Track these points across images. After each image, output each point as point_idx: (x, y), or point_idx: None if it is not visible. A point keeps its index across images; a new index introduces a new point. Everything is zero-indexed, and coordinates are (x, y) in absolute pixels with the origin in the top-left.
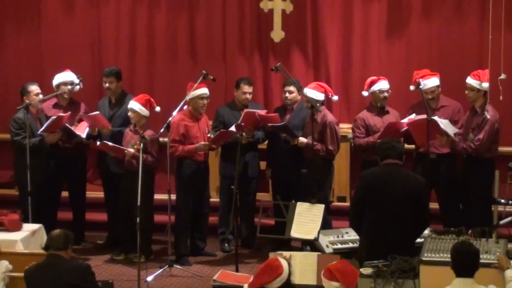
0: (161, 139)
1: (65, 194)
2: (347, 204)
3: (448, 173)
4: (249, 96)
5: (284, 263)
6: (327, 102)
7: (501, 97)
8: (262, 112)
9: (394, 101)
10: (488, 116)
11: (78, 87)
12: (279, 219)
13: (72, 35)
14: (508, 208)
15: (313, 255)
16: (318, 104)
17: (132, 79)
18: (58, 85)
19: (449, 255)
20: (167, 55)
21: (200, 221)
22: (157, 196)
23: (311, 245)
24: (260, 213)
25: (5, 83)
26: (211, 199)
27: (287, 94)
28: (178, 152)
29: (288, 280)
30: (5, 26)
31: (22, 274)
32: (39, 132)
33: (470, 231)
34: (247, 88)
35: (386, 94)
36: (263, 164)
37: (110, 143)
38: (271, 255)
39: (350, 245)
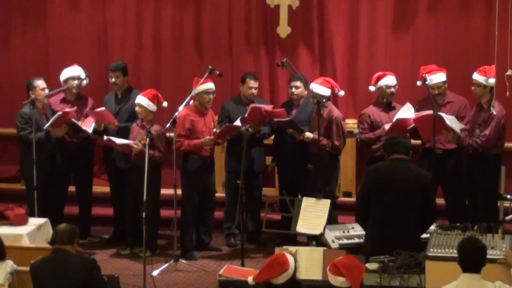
0: (167, 134)
1: (72, 188)
2: (353, 199)
3: (454, 169)
4: (254, 91)
5: (290, 259)
6: (333, 97)
7: (507, 93)
8: (268, 107)
9: (401, 97)
10: (495, 112)
11: (85, 81)
12: (285, 214)
13: (78, 30)
14: None
15: (319, 250)
16: (324, 100)
17: (138, 74)
18: (66, 80)
19: (455, 251)
20: (173, 50)
21: (206, 216)
22: (163, 191)
23: (317, 240)
24: (266, 208)
25: (12, 78)
26: (216, 194)
27: (293, 90)
28: (183, 146)
29: (294, 276)
30: (11, 22)
31: (28, 269)
32: (45, 127)
33: (476, 226)
34: (253, 83)
35: (393, 89)
36: (269, 159)
37: (117, 138)
38: (277, 250)
39: (356, 240)
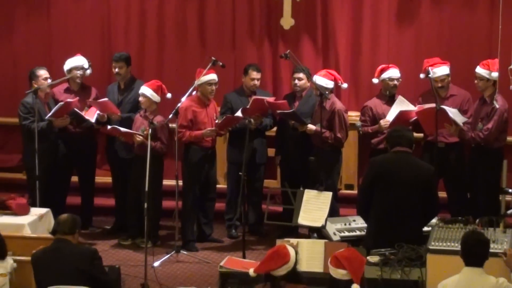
0: (170, 125)
1: (74, 179)
2: (355, 191)
3: (456, 162)
4: (257, 82)
5: (291, 251)
6: (336, 89)
7: (510, 87)
8: (271, 99)
9: (404, 89)
10: (497, 106)
11: (88, 71)
12: (286, 206)
13: (81, 20)
14: None
15: (320, 243)
16: (327, 92)
17: (141, 65)
18: (70, 70)
19: (456, 244)
20: (176, 41)
21: (207, 207)
22: (165, 182)
23: (318, 232)
24: (268, 199)
25: (14, 67)
26: (218, 185)
27: (296, 81)
28: (185, 137)
29: (294, 268)
30: (15, 11)
31: (29, 258)
32: (46, 117)
33: (477, 220)
34: (255, 74)
35: (396, 82)
36: (271, 151)
37: (121, 128)
38: (278, 242)
39: (358, 233)
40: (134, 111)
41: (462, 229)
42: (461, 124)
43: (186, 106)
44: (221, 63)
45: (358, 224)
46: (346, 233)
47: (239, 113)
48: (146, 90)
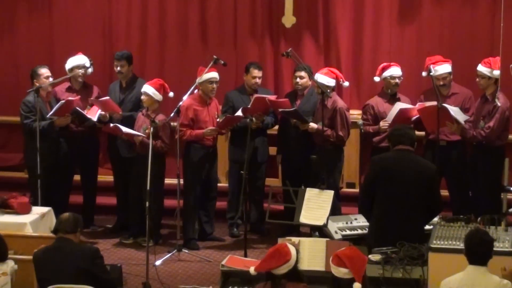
0: (171, 123)
1: (76, 178)
2: (357, 190)
3: (458, 160)
4: (258, 81)
5: (292, 250)
6: (338, 87)
7: None
8: (272, 97)
9: (405, 88)
10: (499, 104)
11: (90, 70)
12: (288, 204)
13: (83, 18)
14: None
15: (322, 241)
16: (328, 90)
17: (143, 63)
18: (72, 69)
19: (458, 243)
20: (178, 39)
21: (208, 206)
22: (166, 181)
23: (320, 231)
24: (269, 198)
25: (16, 66)
26: (219, 184)
27: (298, 80)
28: (186, 136)
29: (295, 266)
30: (16, 10)
31: (30, 257)
32: (48, 116)
33: (479, 218)
34: (256, 73)
35: (397, 80)
36: (272, 149)
37: (123, 127)
38: (280, 240)
39: (359, 231)
40: (136, 109)
41: (464, 227)
42: (462, 122)
43: (187, 105)
44: (222, 62)
45: (359, 222)
46: (348, 232)
47: (239, 112)
48: (148, 88)
